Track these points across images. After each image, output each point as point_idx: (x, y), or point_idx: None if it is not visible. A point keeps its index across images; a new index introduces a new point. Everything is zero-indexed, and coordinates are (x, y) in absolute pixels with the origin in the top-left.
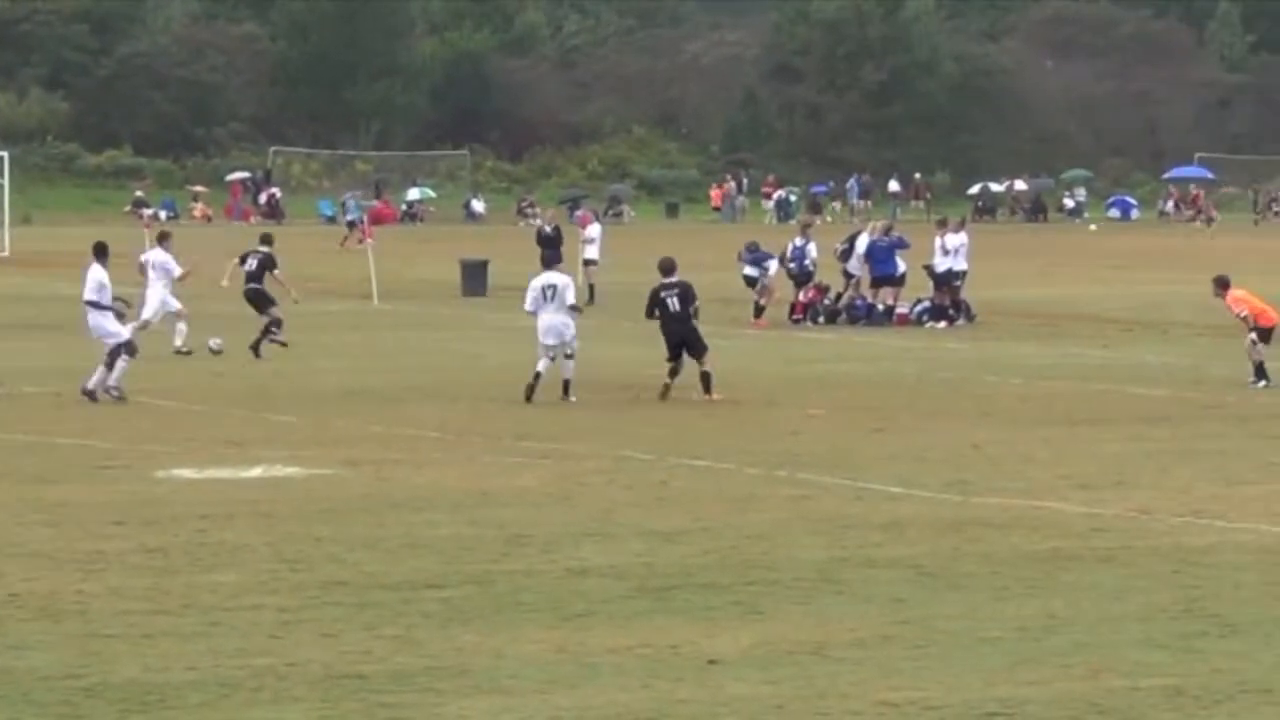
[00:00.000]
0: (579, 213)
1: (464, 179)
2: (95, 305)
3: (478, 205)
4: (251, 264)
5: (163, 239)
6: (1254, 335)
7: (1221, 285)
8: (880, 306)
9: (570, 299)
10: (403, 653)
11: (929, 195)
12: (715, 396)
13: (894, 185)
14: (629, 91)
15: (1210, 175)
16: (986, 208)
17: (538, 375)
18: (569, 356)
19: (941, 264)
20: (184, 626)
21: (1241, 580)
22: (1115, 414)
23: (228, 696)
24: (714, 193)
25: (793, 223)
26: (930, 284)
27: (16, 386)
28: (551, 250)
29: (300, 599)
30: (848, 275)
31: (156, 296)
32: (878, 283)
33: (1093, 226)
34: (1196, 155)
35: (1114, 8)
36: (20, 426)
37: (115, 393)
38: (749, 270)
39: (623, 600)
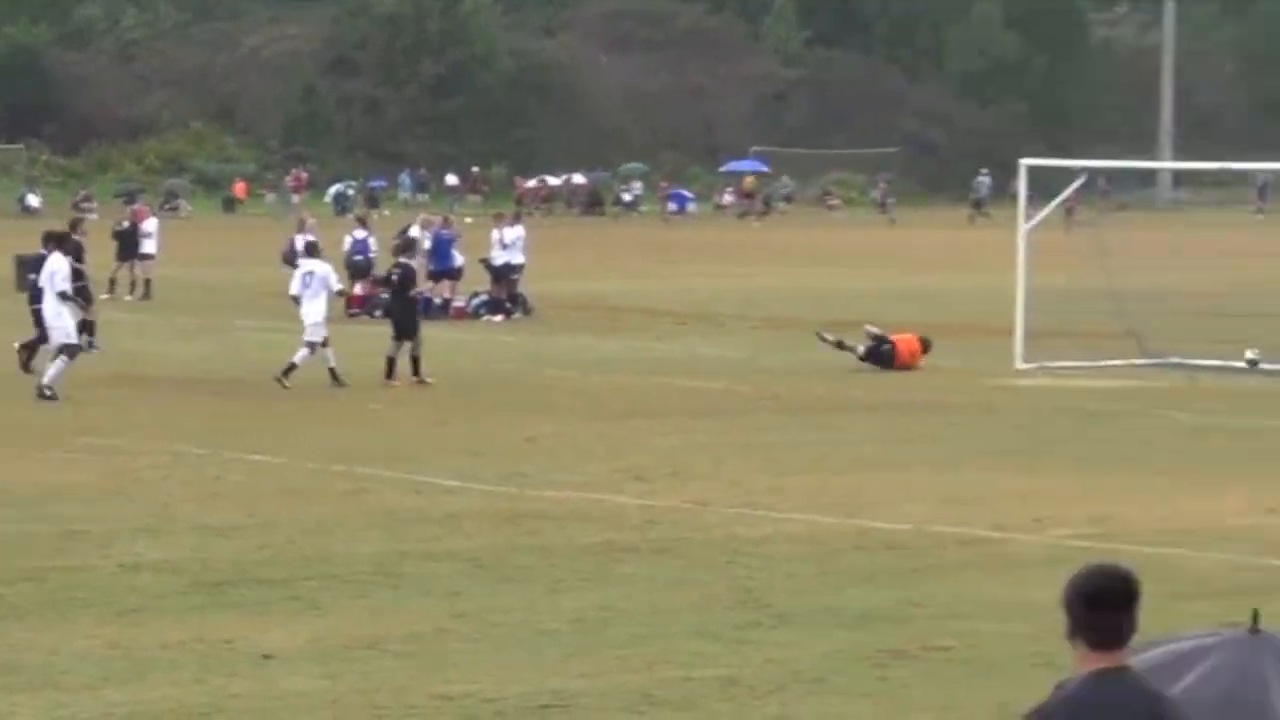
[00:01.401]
0: (135, 207)
1: (19, 173)
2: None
3: (33, 199)
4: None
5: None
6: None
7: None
8: (437, 300)
9: (334, 285)
10: None
11: (486, 189)
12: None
13: (451, 179)
14: (187, 85)
15: (766, 169)
16: (544, 201)
17: (293, 365)
18: (308, 345)
19: (499, 257)
20: None
21: (794, 571)
22: (670, 407)
23: None
24: (238, 186)
25: (349, 216)
26: (488, 277)
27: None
28: (126, 246)
29: None
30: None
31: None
32: (436, 276)
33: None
34: (752, 149)
35: (669, 3)
36: None
37: (49, 392)
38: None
39: (177, 595)
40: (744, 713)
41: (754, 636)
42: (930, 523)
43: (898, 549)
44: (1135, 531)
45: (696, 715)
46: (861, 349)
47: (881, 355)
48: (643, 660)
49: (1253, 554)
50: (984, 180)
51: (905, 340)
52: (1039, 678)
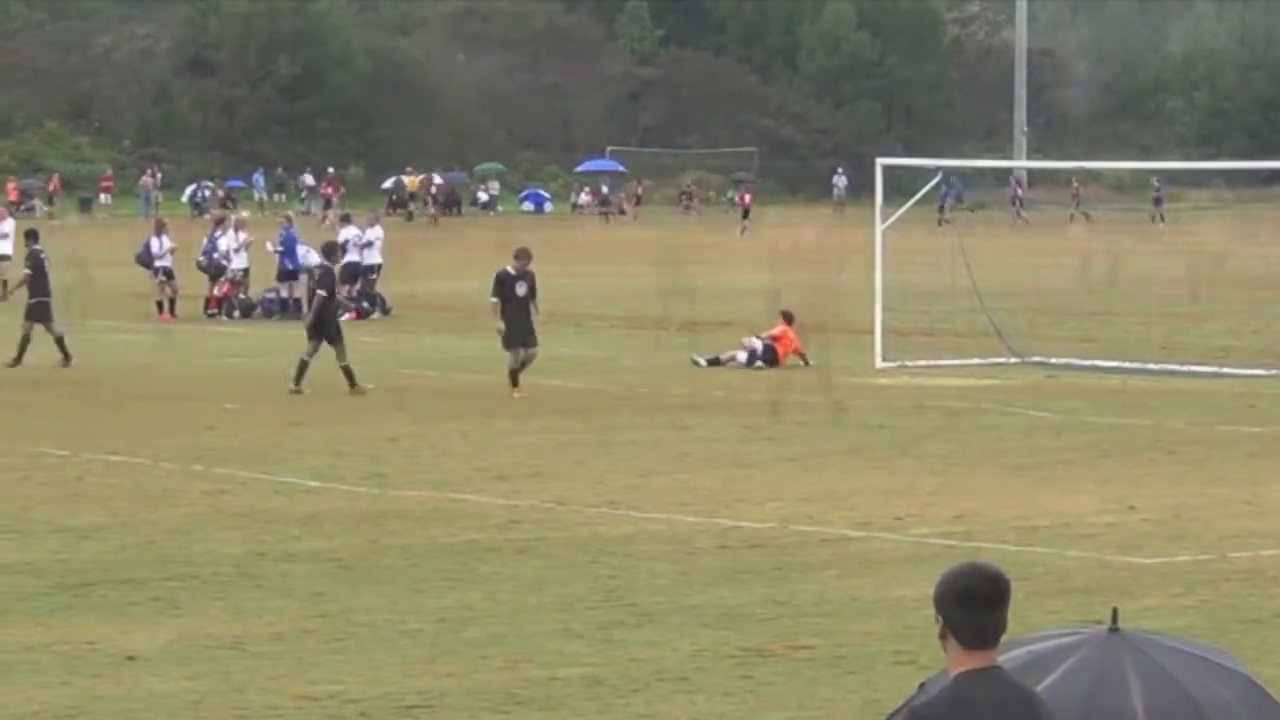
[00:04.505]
0: None
1: None
2: None
3: None
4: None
5: None
6: None
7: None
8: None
9: None
10: None
11: (342, 189)
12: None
13: (308, 179)
14: (40, 85)
15: (622, 168)
16: (400, 201)
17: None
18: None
19: (353, 257)
20: None
21: (656, 570)
22: (531, 406)
23: None
24: (10, 189)
25: (206, 217)
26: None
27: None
28: None
29: None
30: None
31: None
32: (285, 276)
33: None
34: (608, 148)
35: (525, 1)
36: None
37: None
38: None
39: (39, 597)
40: (608, 711)
41: (618, 635)
42: (793, 521)
43: (760, 547)
44: (996, 529)
45: (561, 714)
46: (742, 356)
47: (766, 353)
48: (507, 660)
49: (1112, 552)
50: (840, 180)
51: (784, 340)
52: (902, 676)
